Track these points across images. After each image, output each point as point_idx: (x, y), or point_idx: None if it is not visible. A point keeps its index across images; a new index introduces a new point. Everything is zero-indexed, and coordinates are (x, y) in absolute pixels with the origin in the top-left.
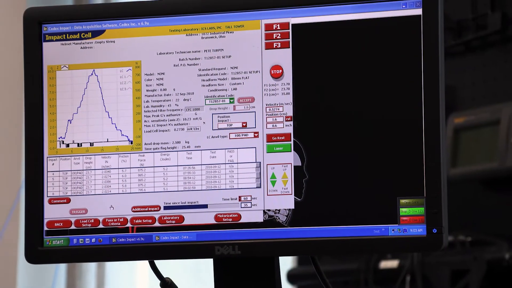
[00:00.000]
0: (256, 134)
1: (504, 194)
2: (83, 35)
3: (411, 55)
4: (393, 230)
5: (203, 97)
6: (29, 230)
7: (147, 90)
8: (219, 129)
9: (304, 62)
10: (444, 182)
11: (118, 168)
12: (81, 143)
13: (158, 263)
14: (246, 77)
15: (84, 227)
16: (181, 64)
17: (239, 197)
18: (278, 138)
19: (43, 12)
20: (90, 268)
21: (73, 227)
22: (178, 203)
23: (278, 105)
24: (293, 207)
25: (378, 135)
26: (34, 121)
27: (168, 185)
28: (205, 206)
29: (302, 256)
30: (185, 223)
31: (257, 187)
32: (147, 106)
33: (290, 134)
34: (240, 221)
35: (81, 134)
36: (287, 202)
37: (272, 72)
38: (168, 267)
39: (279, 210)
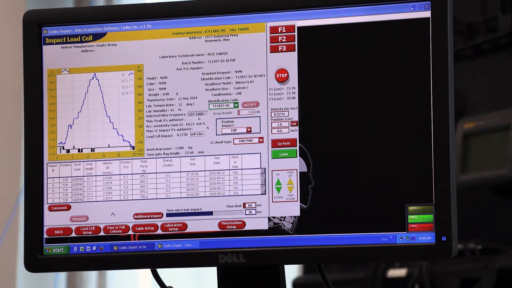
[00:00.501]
0: (261, 140)
1: None
2: (84, 38)
3: (420, 58)
4: (401, 237)
5: (206, 102)
6: (28, 237)
7: (149, 95)
8: (223, 134)
9: (310, 65)
10: (454, 188)
11: (120, 174)
12: (81, 149)
13: (161, 271)
14: (251, 81)
15: (84, 234)
16: (184, 68)
17: (244, 204)
18: (283, 143)
19: (43, 14)
20: (91, 276)
21: (73, 234)
22: (181, 210)
23: (284, 109)
24: (299, 214)
25: (386, 140)
26: (33, 126)
27: (171, 192)
28: (209, 213)
29: (308, 264)
30: (188, 230)
31: (262, 194)
32: (150, 111)
33: (296, 139)
34: (245, 228)
35: (82, 139)
36: (293, 209)
37: (277, 76)
38: (171, 275)
39: (284, 217)
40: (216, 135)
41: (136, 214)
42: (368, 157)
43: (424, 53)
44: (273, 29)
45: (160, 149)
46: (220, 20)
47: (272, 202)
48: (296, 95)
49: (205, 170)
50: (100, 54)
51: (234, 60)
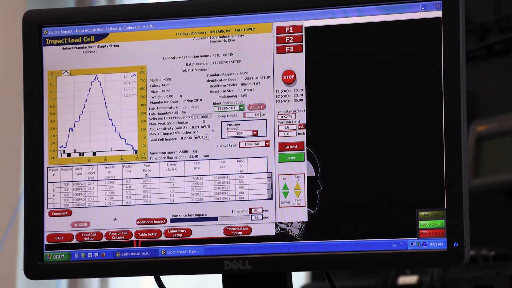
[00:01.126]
0: (267, 143)
1: None
2: (86, 39)
3: (431, 59)
4: (412, 244)
5: (211, 104)
6: (28, 244)
7: (153, 97)
8: (228, 137)
9: (318, 67)
10: (466, 193)
11: (122, 179)
12: (83, 153)
13: (164, 278)
14: (257, 83)
15: (86, 240)
16: (188, 69)
17: (250, 209)
18: (290, 147)
19: (43, 14)
20: (93, 282)
21: (74, 240)
22: (185, 215)
23: (291, 112)
24: (307, 220)
25: (396, 144)
26: (33, 129)
27: (175, 197)
28: (214, 218)
29: (316, 271)
30: (192, 236)
31: (268, 199)
32: (153, 114)
33: (303, 142)
34: (251, 234)
35: (83, 143)
36: (300, 214)
37: (284, 78)
38: (175, 282)
39: (291, 223)
40: (221, 138)
41: (139, 220)
42: (377, 161)
43: (435, 54)
44: (280, 30)
45: (164, 153)
46: (225, 20)
47: (279, 207)
48: (304, 97)
49: (210, 175)
50: (102, 55)
51: (239, 61)
